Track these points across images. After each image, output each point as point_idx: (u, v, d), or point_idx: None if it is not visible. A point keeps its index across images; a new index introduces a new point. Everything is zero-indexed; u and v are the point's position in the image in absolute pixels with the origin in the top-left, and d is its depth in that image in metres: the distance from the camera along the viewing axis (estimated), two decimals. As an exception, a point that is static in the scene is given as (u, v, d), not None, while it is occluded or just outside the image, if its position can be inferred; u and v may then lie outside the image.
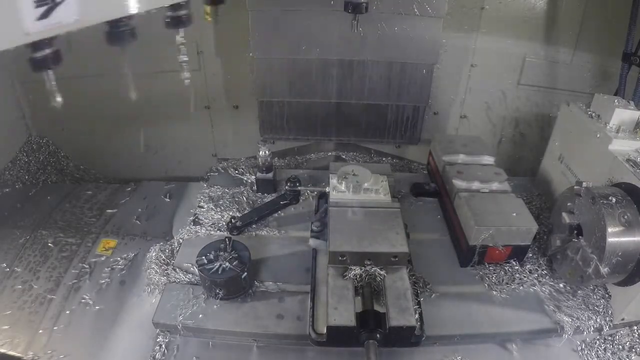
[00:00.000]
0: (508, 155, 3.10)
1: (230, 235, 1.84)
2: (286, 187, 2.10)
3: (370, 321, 1.60)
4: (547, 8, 2.61)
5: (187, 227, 2.10)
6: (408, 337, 1.64)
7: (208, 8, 2.22)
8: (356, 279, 1.73)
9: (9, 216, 2.36)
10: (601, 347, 1.88)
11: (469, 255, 1.93)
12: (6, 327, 1.79)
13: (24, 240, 2.18)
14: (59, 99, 1.29)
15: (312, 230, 1.96)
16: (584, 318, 1.82)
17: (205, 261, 1.74)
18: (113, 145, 2.89)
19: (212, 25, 2.43)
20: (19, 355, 1.70)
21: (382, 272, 1.73)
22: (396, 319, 1.60)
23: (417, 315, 1.69)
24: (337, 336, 1.60)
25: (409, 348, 1.69)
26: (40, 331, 1.79)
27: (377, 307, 1.66)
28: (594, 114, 2.09)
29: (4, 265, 2.04)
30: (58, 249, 2.15)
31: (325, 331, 1.60)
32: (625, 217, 1.70)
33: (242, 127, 2.79)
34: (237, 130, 2.86)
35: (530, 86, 2.83)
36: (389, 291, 1.68)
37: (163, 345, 1.73)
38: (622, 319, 1.85)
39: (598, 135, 1.98)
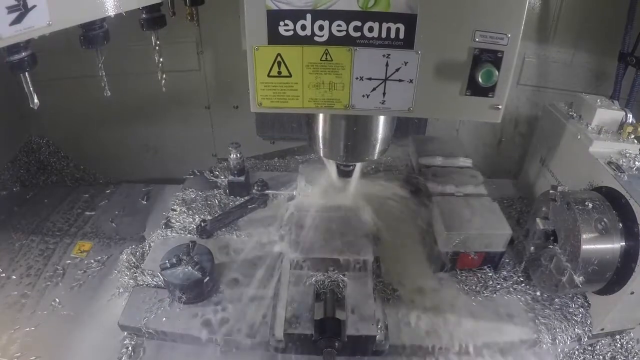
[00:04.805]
0: (508, 155, 3.00)
1: (194, 240, 1.82)
2: (254, 190, 2.08)
3: (330, 329, 1.56)
4: (547, 7, 2.50)
5: (159, 230, 2.09)
6: (370, 347, 1.60)
7: (189, 9, 2.22)
8: (318, 285, 1.70)
9: (6, 219, 2.38)
10: (580, 357, 1.81)
11: (441, 262, 1.87)
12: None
13: (20, 244, 2.20)
14: (36, 100, 1.31)
15: (280, 235, 1.94)
16: (561, 328, 1.74)
17: (168, 265, 1.73)
18: (113, 145, 2.90)
19: (212, 26, 2.43)
20: None
21: (345, 279, 1.69)
22: (355, 328, 1.56)
23: (381, 324, 1.65)
24: (295, 343, 1.58)
25: (373, 357, 1.64)
26: (12, 331, 1.82)
27: (339, 315, 1.62)
28: (575, 115, 1.99)
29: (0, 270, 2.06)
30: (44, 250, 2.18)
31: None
32: (602, 223, 1.61)
33: (242, 127, 2.77)
34: (237, 130, 2.84)
35: (530, 86, 2.73)
36: (349, 299, 1.64)
37: (130, 348, 1.74)
38: (602, 329, 1.77)
39: (579, 137, 1.89)
